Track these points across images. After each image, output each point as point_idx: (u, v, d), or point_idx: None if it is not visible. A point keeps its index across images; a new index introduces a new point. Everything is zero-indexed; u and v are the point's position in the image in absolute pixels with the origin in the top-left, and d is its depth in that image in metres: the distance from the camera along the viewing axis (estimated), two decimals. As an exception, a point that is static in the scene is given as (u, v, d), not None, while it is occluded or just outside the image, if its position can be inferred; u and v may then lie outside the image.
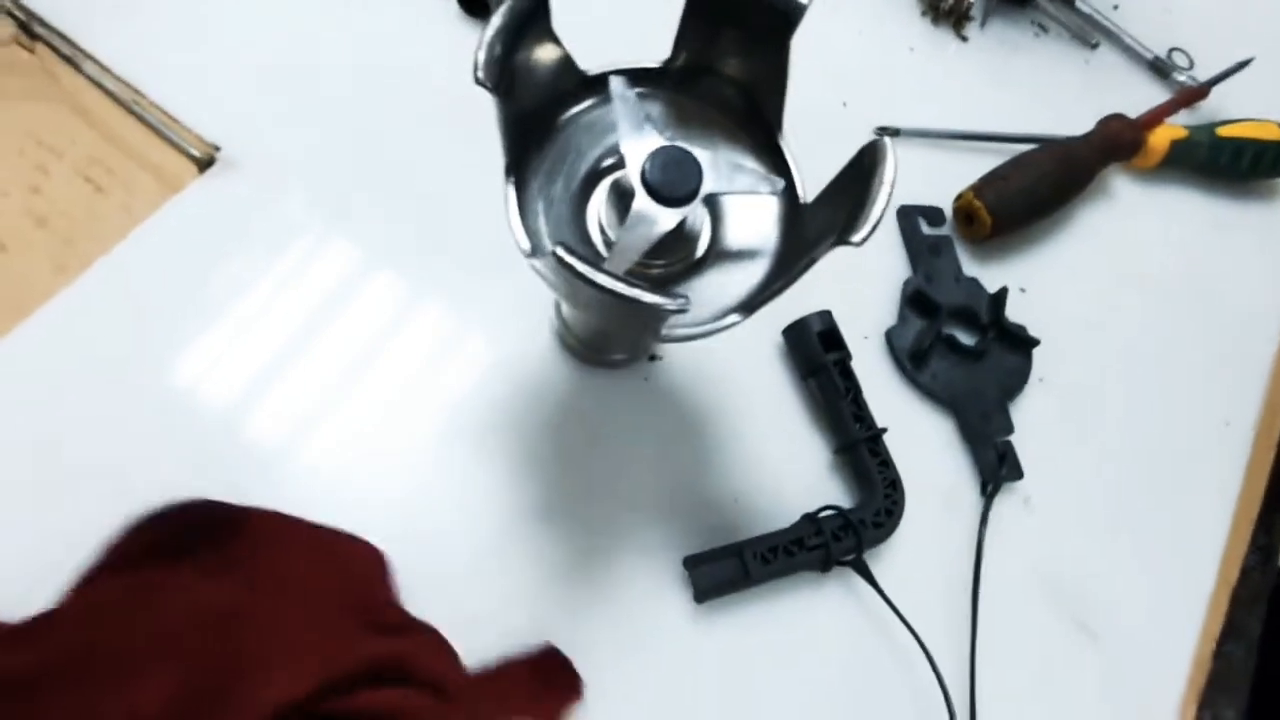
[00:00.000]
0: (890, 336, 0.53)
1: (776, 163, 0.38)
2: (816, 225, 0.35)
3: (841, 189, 0.35)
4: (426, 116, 0.53)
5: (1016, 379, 0.54)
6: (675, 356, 0.50)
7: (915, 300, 0.54)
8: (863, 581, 0.46)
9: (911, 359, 0.53)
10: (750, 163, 0.38)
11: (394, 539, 0.43)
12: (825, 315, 0.50)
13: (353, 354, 0.47)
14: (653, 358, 0.50)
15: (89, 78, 0.48)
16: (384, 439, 0.45)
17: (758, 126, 0.38)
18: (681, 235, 0.36)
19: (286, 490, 0.43)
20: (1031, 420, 0.53)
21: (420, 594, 0.40)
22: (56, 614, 0.34)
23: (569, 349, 0.49)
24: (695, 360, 0.50)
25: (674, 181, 0.33)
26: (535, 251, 0.34)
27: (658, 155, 0.34)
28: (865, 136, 0.61)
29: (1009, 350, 0.55)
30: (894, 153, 0.31)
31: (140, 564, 0.37)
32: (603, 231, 0.37)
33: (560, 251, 0.28)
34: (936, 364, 0.53)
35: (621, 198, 0.37)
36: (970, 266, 0.57)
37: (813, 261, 0.32)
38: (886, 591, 0.45)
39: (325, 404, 0.45)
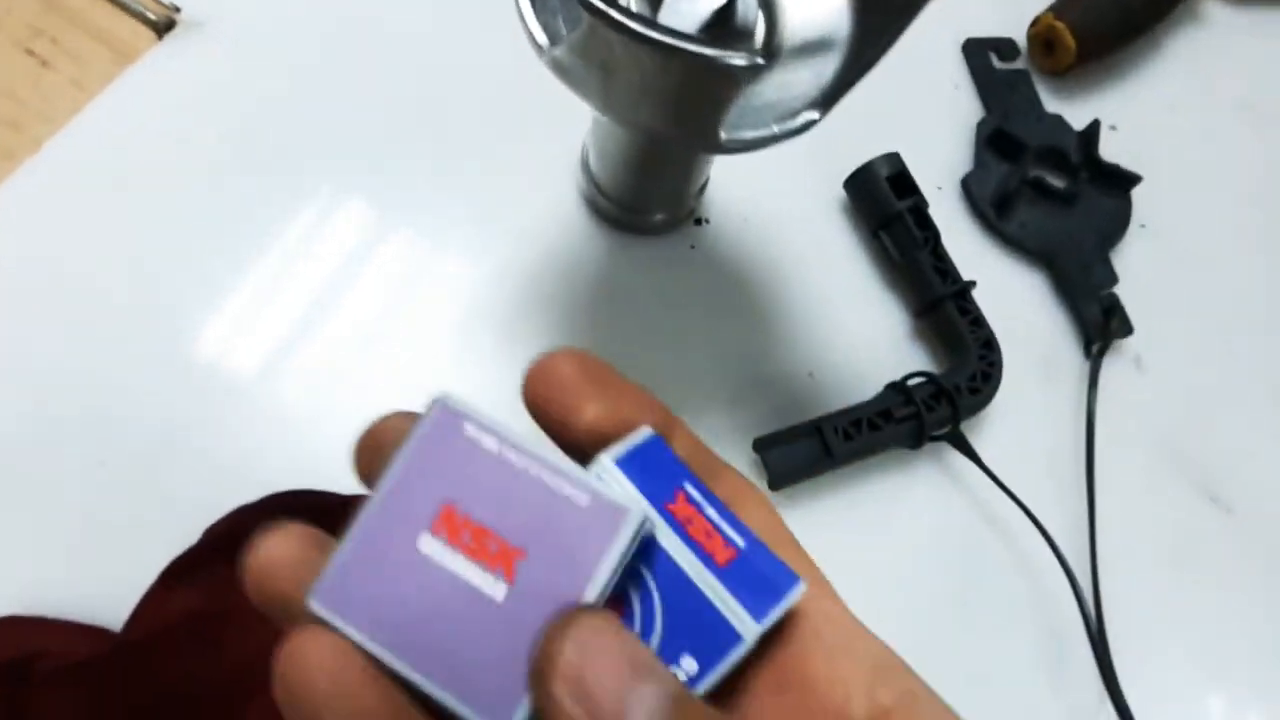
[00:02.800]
0: (968, 183, 0.46)
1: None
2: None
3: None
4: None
5: (1115, 224, 0.47)
6: (723, 218, 0.43)
7: (995, 141, 0.47)
8: (960, 457, 0.40)
9: (996, 206, 0.45)
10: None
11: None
12: (893, 158, 0.43)
13: (353, 244, 0.40)
14: (698, 221, 0.43)
15: (19, -63, 0.42)
16: (398, 334, 0.39)
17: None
18: (730, 26, 0.29)
19: (289, 396, 0.37)
20: (1135, 270, 0.46)
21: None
22: (122, 649, 0.30)
23: (601, 214, 0.42)
24: (746, 221, 0.44)
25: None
26: (554, 42, 0.27)
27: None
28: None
29: (1104, 193, 0.47)
30: None
31: (224, 571, 0.32)
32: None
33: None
34: (1024, 211, 0.46)
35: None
36: (1050, 103, 0.50)
37: (910, 18, 0.25)
38: (988, 466, 0.39)
39: (331, 297, 0.39)
